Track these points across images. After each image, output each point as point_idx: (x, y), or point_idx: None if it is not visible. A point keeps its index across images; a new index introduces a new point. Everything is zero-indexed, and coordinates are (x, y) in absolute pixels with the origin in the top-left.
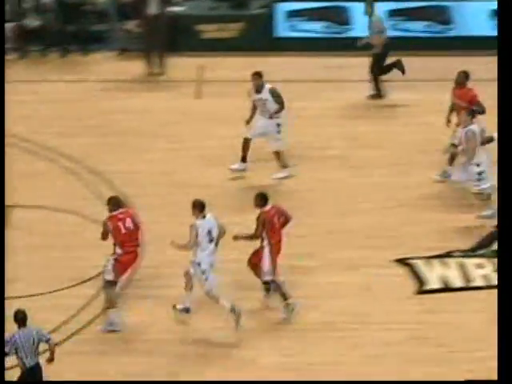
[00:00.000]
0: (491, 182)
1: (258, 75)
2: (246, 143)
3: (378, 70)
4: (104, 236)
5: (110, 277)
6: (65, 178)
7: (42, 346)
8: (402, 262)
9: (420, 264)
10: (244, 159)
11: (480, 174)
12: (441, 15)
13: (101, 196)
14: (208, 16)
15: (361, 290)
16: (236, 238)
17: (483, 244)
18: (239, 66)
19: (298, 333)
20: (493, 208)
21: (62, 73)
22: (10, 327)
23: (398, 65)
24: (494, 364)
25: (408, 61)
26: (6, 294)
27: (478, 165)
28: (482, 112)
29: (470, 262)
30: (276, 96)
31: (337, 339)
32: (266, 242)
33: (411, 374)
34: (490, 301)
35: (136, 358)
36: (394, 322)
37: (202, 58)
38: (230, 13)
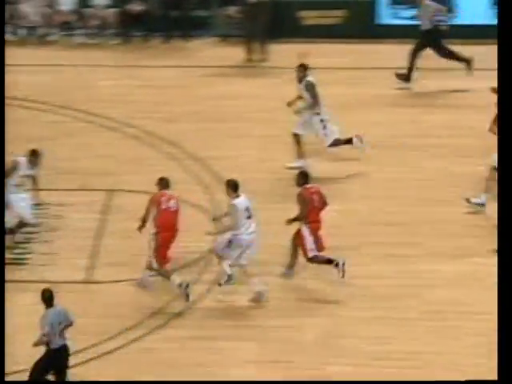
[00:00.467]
0: None
1: (302, 67)
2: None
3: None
4: (146, 215)
5: (154, 265)
6: (166, 163)
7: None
8: None
9: None
10: (300, 155)
11: None
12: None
13: (201, 182)
14: (310, 2)
15: (463, 280)
16: (288, 222)
17: None
18: (340, 52)
19: (398, 321)
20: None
21: (163, 58)
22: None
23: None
24: None
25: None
26: (110, 278)
27: None
28: None
29: None
30: (309, 90)
31: (438, 328)
32: (304, 221)
33: None
34: None
35: (238, 342)
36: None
37: (303, 45)
38: None
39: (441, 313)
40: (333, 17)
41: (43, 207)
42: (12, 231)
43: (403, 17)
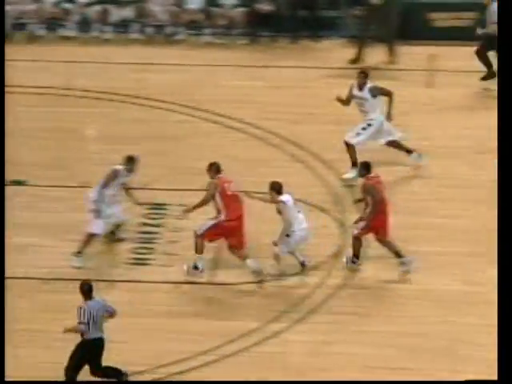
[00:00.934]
0: None
1: (363, 74)
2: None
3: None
4: (209, 194)
5: (200, 231)
6: (291, 165)
7: None
8: None
9: None
10: (354, 164)
11: None
12: None
13: (328, 184)
14: (441, 4)
15: None
16: (356, 221)
17: None
18: (471, 55)
19: None
20: None
21: (291, 59)
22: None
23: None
24: None
25: None
26: (234, 280)
27: None
28: None
29: None
30: (376, 93)
31: None
32: (368, 209)
33: None
34: None
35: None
36: None
37: (433, 47)
38: (464, 1)
39: None
40: (465, 19)
41: (165, 207)
42: (113, 233)
43: None
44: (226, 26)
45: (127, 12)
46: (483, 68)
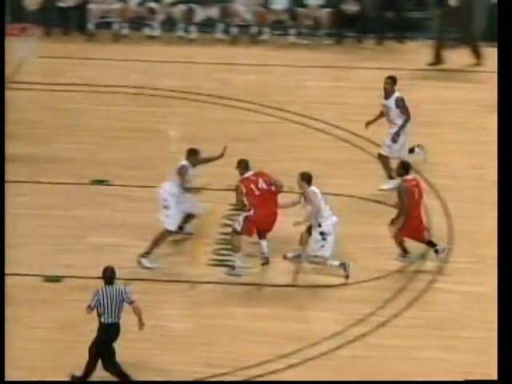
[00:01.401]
0: None
1: (391, 79)
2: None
3: None
4: (239, 199)
5: (238, 227)
6: (375, 167)
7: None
8: None
9: None
10: (390, 176)
11: None
12: None
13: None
14: None
15: None
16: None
17: None
18: None
19: None
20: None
21: (376, 60)
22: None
23: None
24: None
25: None
26: (317, 282)
27: None
28: None
29: None
30: (400, 106)
31: None
32: (401, 212)
33: None
34: None
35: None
36: None
37: None
38: None
39: None
40: None
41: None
42: (181, 228)
43: None
44: (311, 27)
45: (212, 12)
46: None
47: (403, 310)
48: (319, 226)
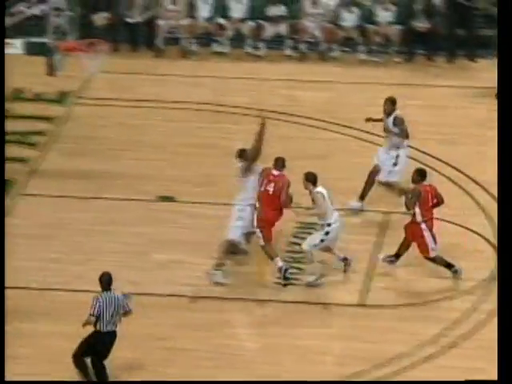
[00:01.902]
0: None
1: (389, 101)
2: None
3: None
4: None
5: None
6: (445, 186)
7: None
8: None
9: None
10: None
11: None
12: None
13: (483, 207)
14: None
15: None
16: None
17: None
18: None
19: None
20: None
21: (447, 78)
22: None
23: None
24: None
25: None
26: (384, 302)
27: None
28: None
29: None
30: (398, 125)
31: None
32: (420, 218)
33: None
34: None
35: None
36: None
37: None
38: None
39: None
40: None
41: (314, 227)
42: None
43: None
44: (381, 44)
45: (281, 28)
46: None
47: (472, 332)
48: (328, 225)
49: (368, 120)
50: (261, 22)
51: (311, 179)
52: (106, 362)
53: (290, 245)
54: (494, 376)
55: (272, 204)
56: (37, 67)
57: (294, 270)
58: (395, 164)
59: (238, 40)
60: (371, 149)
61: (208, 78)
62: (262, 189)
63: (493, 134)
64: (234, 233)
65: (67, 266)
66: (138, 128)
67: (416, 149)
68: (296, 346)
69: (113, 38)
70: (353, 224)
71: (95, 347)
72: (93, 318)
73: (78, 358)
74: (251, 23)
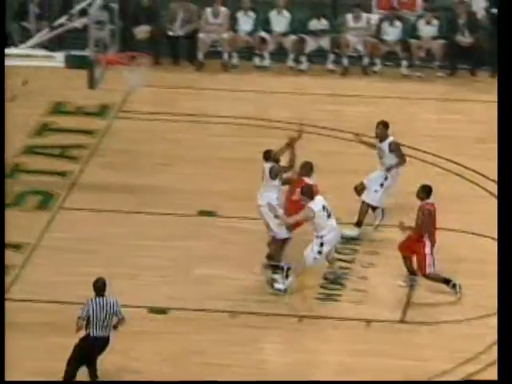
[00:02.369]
0: None
1: (382, 125)
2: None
3: None
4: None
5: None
6: (487, 201)
7: None
8: None
9: None
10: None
11: None
12: None
13: None
14: None
15: None
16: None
17: None
18: None
19: None
20: None
21: (490, 93)
22: None
23: None
24: None
25: None
26: (423, 319)
27: None
28: None
29: None
30: (393, 150)
31: None
32: (426, 236)
33: None
34: None
35: None
36: None
37: None
38: None
39: None
40: None
41: (357, 243)
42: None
43: None
44: (424, 59)
45: (323, 42)
46: None
47: None
48: (320, 237)
49: (358, 138)
50: (303, 35)
51: (307, 193)
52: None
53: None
54: None
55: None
56: (78, 80)
57: (336, 286)
58: (381, 185)
59: (279, 54)
60: (414, 164)
61: (249, 92)
62: (294, 198)
63: None
64: (284, 232)
65: (107, 280)
66: (179, 142)
67: (459, 164)
68: (333, 361)
69: (154, 52)
70: (392, 240)
71: (86, 351)
72: (81, 321)
73: (70, 363)
74: (293, 37)
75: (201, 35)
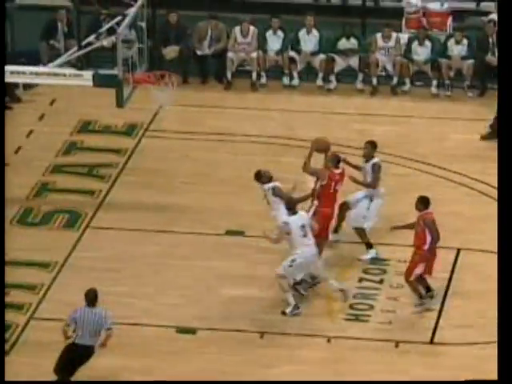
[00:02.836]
0: None
1: (370, 144)
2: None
3: None
4: None
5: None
6: None
7: None
8: None
9: None
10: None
11: None
12: None
13: None
14: None
15: None
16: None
17: None
18: None
19: None
20: None
21: None
22: None
23: None
24: None
25: None
26: (456, 340)
27: None
28: None
29: None
30: (374, 172)
31: None
32: (426, 245)
33: None
34: None
35: None
36: None
37: None
38: None
39: None
40: None
41: (386, 263)
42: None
43: None
44: (454, 78)
45: (352, 61)
46: None
47: None
48: (295, 253)
49: (344, 160)
50: (332, 55)
51: (288, 207)
52: None
53: (361, 281)
54: None
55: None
56: (106, 99)
57: (365, 307)
58: (368, 208)
59: (308, 73)
60: (443, 184)
61: (278, 112)
62: (332, 190)
63: None
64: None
65: (135, 300)
66: (207, 161)
67: (488, 184)
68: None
69: (182, 71)
70: None
71: (70, 359)
72: (67, 328)
73: (56, 372)
74: (322, 56)
75: (229, 54)
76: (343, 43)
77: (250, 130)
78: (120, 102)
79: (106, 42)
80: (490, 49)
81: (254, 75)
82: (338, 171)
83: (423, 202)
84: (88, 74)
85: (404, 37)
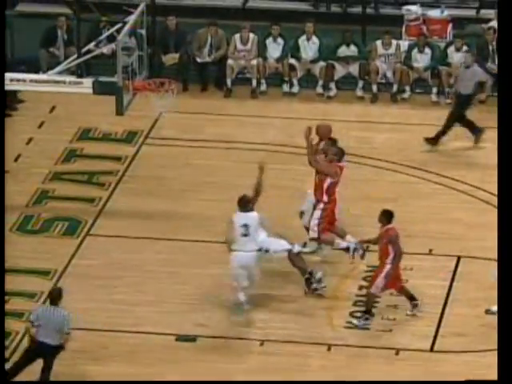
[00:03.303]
0: None
1: (330, 141)
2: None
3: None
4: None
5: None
6: None
7: None
8: None
9: None
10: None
11: None
12: None
13: None
14: None
15: None
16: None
17: None
18: None
19: None
20: None
21: None
22: None
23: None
24: None
25: None
26: (454, 348)
27: None
28: None
29: None
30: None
31: None
32: (389, 259)
33: None
34: None
35: None
36: None
37: None
38: None
39: None
40: None
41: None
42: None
43: None
44: (453, 85)
45: (352, 69)
46: None
47: None
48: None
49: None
50: (332, 62)
51: (239, 203)
52: None
53: (361, 288)
54: None
55: None
56: (106, 107)
57: (365, 315)
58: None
59: (308, 81)
60: (444, 192)
61: (278, 119)
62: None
63: None
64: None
65: (134, 307)
66: (207, 169)
67: (489, 192)
68: None
69: (182, 78)
70: (422, 268)
71: (32, 354)
72: (29, 324)
73: (17, 363)
74: (322, 63)
75: (229, 61)
76: (343, 50)
77: (250, 137)
78: (120, 110)
79: (105, 50)
80: (490, 56)
81: (254, 82)
82: (342, 164)
83: (386, 216)
84: (88, 82)
85: (404, 44)
